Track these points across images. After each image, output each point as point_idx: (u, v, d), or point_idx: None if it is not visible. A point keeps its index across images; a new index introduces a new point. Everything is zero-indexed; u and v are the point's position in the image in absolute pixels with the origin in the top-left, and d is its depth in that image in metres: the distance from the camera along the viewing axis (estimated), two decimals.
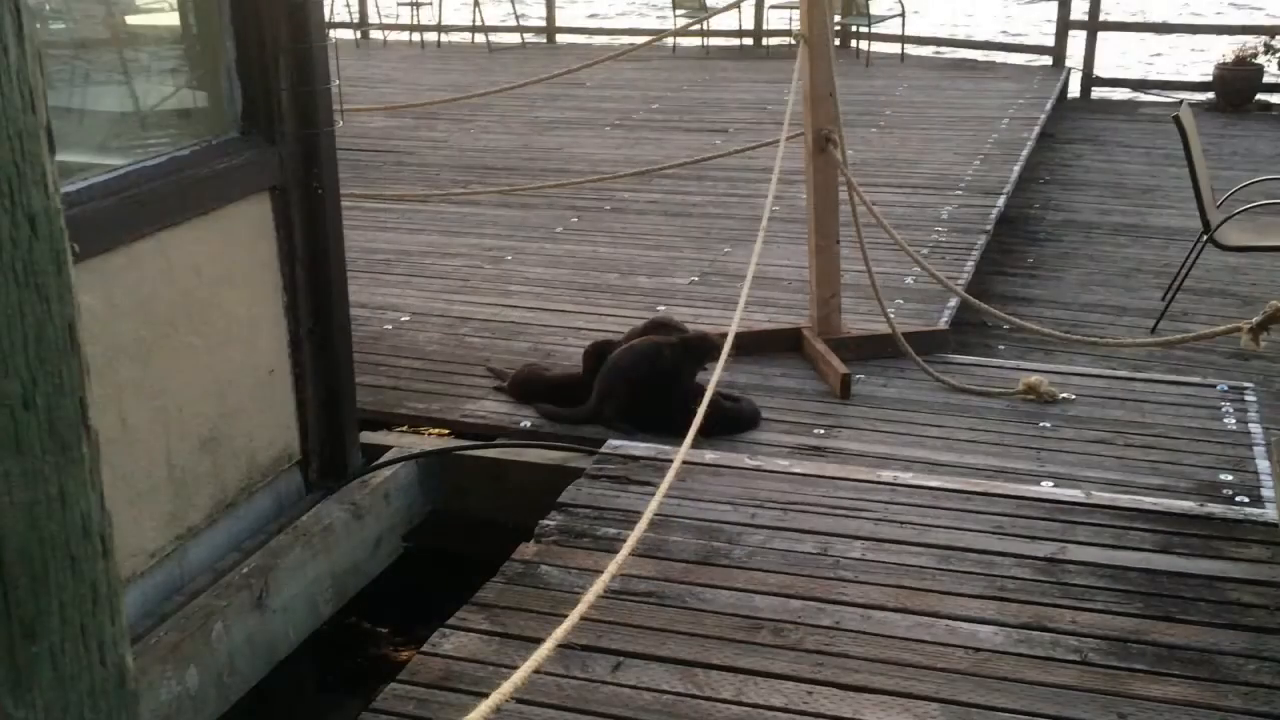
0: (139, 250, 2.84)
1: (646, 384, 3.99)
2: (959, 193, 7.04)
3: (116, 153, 2.98)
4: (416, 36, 13.70)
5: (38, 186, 0.68)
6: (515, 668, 2.15)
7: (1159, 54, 15.49)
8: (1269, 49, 10.57)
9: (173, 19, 3.35)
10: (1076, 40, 11.44)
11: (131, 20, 3.51)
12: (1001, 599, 2.96)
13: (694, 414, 3.16)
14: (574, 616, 2.33)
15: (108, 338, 2.73)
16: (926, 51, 12.65)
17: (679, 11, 12.48)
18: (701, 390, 3.41)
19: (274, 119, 3.25)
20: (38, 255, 0.68)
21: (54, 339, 0.70)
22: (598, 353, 4.15)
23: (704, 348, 4.04)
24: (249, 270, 3.25)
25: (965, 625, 2.85)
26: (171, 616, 2.90)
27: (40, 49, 0.68)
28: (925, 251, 5.68)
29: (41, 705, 0.71)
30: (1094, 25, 11.33)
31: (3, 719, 0.68)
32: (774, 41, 12.90)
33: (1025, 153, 8.04)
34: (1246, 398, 4.24)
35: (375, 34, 14.26)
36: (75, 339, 0.72)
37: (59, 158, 0.71)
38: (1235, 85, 10.51)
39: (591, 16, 17.55)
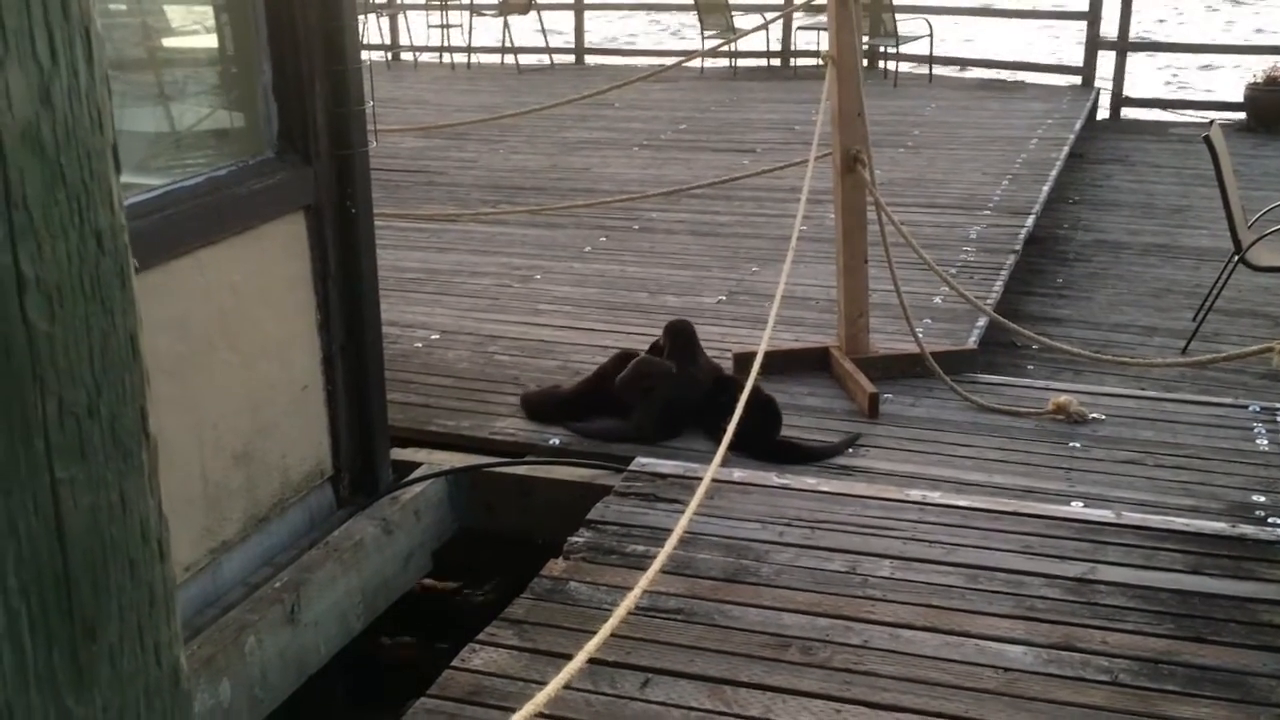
0: (176, 268, 2.89)
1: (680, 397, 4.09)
2: (988, 213, 7.03)
3: (155, 173, 3.03)
4: (447, 58, 13.83)
5: (104, 204, 0.71)
6: (544, 683, 2.17)
7: (1190, 74, 15.43)
8: None
9: (210, 41, 3.41)
10: (1106, 60, 11.42)
11: (169, 42, 3.58)
12: (1031, 619, 2.95)
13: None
14: (603, 633, 2.34)
15: (145, 354, 2.77)
16: (954, 72, 12.66)
17: (707, 33, 12.54)
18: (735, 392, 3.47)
19: (309, 139, 3.30)
20: (104, 270, 0.71)
21: (117, 350, 0.73)
22: (622, 360, 4.26)
23: (682, 331, 4.26)
24: (283, 288, 3.30)
25: (994, 645, 2.85)
26: (205, 630, 2.93)
27: (107, 72, 0.72)
28: (954, 271, 5.68)
29: (100, 703, 0.73)
30: (1124, 45, 11.31)
31: (64, 716, 0.71)
32: (801, 63, 12.94)
33: (1054, 173, 8.03)
34: (1279, 419, 4.22)
35: (406, 56, 14.41)
36: (137, 350, 0.75)
37: None
38: (1266, 105, 10.46)
39: (612, 39, 17.67)
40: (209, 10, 3.34)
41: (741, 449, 3.77)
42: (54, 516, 0.70)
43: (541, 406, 4.24)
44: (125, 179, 2.53)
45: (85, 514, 0.71)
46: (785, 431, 4.06)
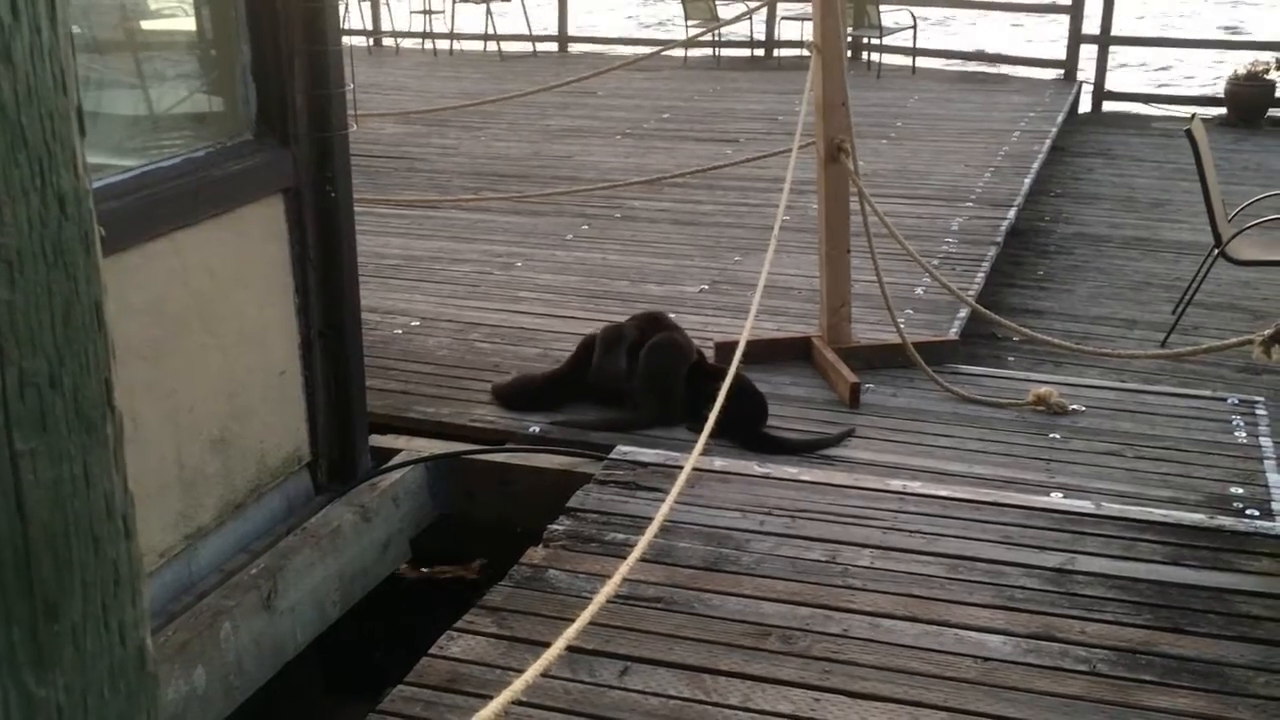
0: (153, 250, 2.85)
1: (684, 376, 4.14)
2: (970, 204, 7.04)
3: (132, 154, 2.99)
4: (429, 44, 13.75)
5: (67, 168, 0.69)
6: (522, 671, 2.14)
7: (1170, 68, 15.49)
8: None
9: (188, 23, 3.36)
10: (1088, 54, 11.45)
11: (146, 25, 3.53)
12: (1010, 609, 2.95)
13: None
14: (581, 621, 2.32)
15: (120, 337, 2.70)
16: (938, 64, 12.67)
17: (690, 21, 12.51)
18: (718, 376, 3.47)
19: (288, 122, 3.26)
20: (66, 236, 0.69)
21: (81, 319, 0.70)
22: (590, 345, 4.29)
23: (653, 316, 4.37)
24: (261, 271, 3.26)
25: (974, 634, 2.85)
26: (180, 616, 2.90)
27: (71, 31, 0.69)
28: (936, 262, 5.68)
29: (63, 684, 0.71)
30: (1106, 39, 11.33)
31: (25, 697, 0.69)
32: (785, 53, 12.93)
33: (1036, 165, 8.04)
34: (1257, 411, 4.23)
35: (388, 41, 14.32)
36: (102, 320, 0.73)
37: None
38: (1247, 100, 10.51)
39: (594, 27, 17.61)
40: None
41: (728, 438, 3.78)
42: (14, 490, 0.67)
43: (516, 396, 4.21)
44: (102, 160, 2.47)
45: (46, 488, 0.69)
46: (770, 421, 4.04)
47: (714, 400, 3.26)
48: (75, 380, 0.71)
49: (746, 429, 3.91)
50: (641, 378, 4.11)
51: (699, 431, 3.17)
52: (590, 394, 4.22)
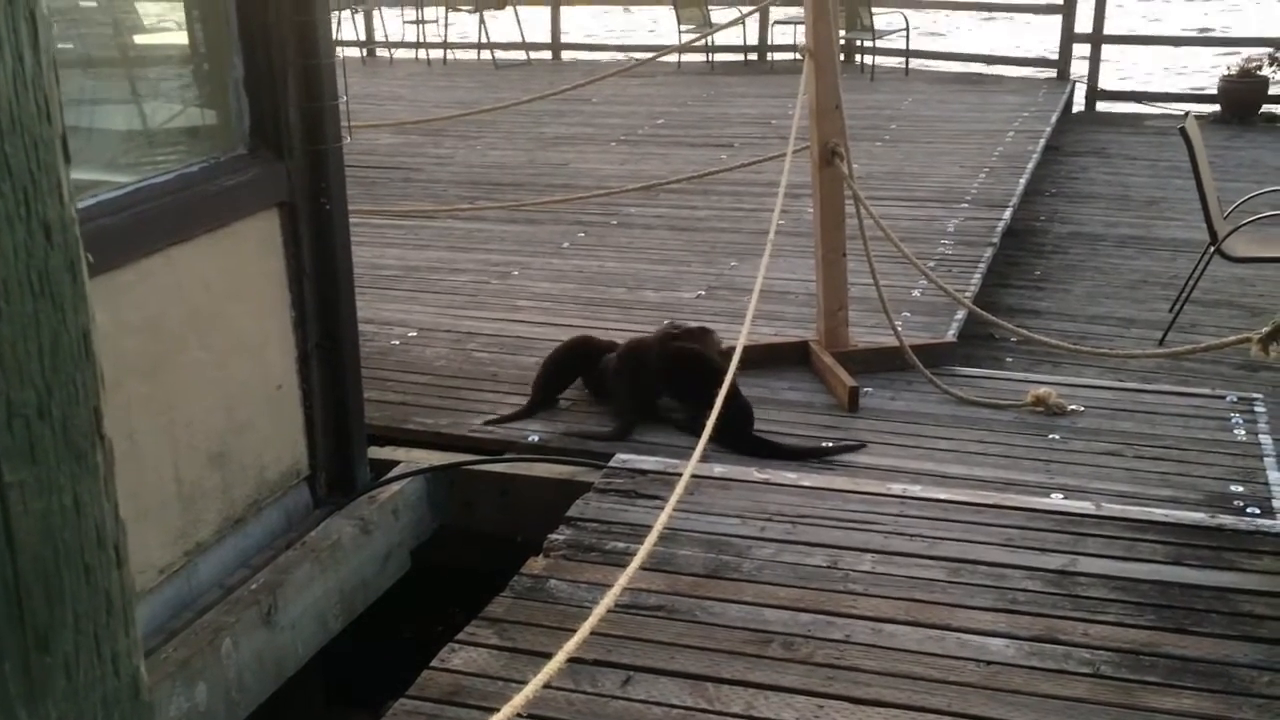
0: (148, 266, 2.85)
1: (640, 383, 4.17)
2: (965, 206, 7.04)
3: (125, 170, 2.99)
4: (422, 54, 13.75)
5: (53, 196, 0.68)
6: (524, 682, 2.14)
7: (1164, 66, 15.51)
8: (1274, 61, 10.58)
9: (181, 37, 3.36)
10: (1081, 53, 11.46)
11: (140, 39, 3.53)
12: (1012, 611, 2.95)
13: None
14: (584, 631, 2.32)
15: (116, 353, 2.73)
16: (931, 65, 12.68)
17: (684, 27, 12.52)
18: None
19: (282, 135, 3.26)
20: (53, 264, 0.68)
21: (69, 348, 0.70)
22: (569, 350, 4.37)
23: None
24: (257, 285, 3.26)
25: (976, 638, 2.84)
26: (180, 633, 2.89)
27: (55, 58, 0.69)
28: (932, 264, 5.68)
29: (55, 716, 0.70)
30: (1098, 38, 11.35)
31: None
32: (778, 57, 12.94)
33: (1031, 165, 8.05)
34: (1256, 409, 4.23)
35: (381, 52, 14.33)
36: (90, 348, 0.72)
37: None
38: (1241, 97, 10.52)
39: (590, 36, 17.60)
40: (180, 6, 3.29)
41: (717, 443, 3.77)
42: (3, 522, 0.66)
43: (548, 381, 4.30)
44: (95, 176, 2.46)
45: (36, 519, 0.68)
46: (769, 427, 4.04)
47: (709, 404, 3.25)
48: (64, 410, 0.71)
49: (735, 433, 3.89)
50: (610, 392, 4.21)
51: (696, 437, 3.16)
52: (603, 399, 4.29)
